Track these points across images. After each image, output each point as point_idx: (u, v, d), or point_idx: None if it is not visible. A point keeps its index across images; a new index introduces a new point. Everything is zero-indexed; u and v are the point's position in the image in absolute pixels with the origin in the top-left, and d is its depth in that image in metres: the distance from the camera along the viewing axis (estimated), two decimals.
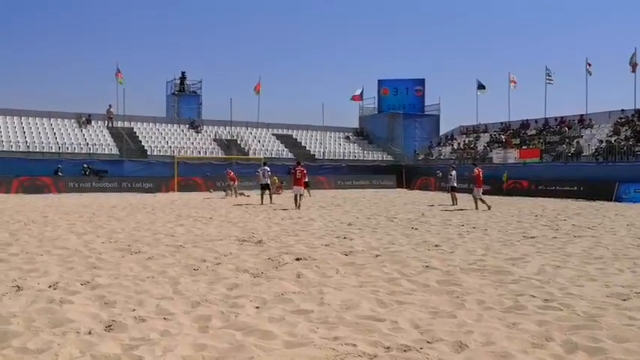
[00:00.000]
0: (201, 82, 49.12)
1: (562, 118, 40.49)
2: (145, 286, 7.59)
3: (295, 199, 21.47)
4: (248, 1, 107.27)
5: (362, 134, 51.28)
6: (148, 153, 38.77)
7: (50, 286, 7.47)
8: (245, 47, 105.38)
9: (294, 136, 47.67)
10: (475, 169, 22.49)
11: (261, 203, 23.28)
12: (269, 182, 24.22)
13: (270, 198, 23.89)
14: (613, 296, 7.13)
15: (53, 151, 36.05)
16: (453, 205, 23.32)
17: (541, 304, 6.70)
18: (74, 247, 11.01)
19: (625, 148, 31.78)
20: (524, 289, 7.54)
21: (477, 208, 21.27)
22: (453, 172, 24.50)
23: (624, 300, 6.94)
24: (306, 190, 25.63)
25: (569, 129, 38.72)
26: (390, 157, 47.02)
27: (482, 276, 8.43)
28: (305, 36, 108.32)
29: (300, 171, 22.32)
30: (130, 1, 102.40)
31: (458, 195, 24.19)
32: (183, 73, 48.90)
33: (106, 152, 37.73)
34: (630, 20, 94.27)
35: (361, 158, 45.72)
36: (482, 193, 22.49)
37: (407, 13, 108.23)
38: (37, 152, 35.52)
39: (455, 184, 24.43)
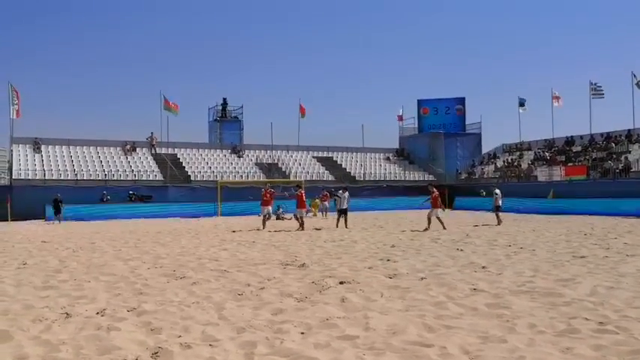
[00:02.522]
0: (242, 107, 49.87)
1: (608, 133, 39.53)
2: (190, 311, 7.61)
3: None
4: (285, 27, 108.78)
5: (402, 154, 51.03)
6: (192, 178, 39.37)
7: (98, 313, 7.56)
8: (284, 71, 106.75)
9: (334, 158, 47.78)
10: (432, 190, 21.96)
11: (337, 227, 22.84)
12: (346, 208, 24.22)
13: (346, 223, 23.14)
14: None
15: (100, 178, 36.95)
16: (499, 225, 22.96)
17: (596, 328, 6.44)
18: (121, 273, 11.17)
19: None
20: (577, 311, 7.28)
21: (428, 228, 20.87)
22: (498, 192, 24.20)
23: None
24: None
25: (616, 144, 37.76)
26: (431, 177, 46.58)
27: (532, 298, 8.18)
28: (343, 57, 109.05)
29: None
30: (171, 30, 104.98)
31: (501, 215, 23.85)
32: (224, 99, 49.72)
33: (151, 178, 38.47)
34: None
35: (402, 179, 45.43)
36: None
37: (445, 32, 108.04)
38: (85, 180, 36.45)
39: (499, 204, 24.08)
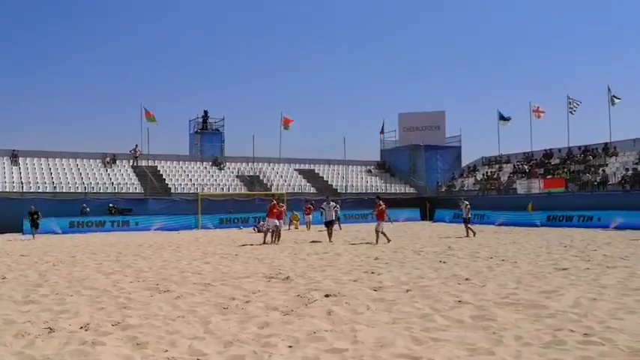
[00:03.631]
0: (223, 119, 49.70)
1: (586, 146, 40.11)
2: (175, 325, 7.55)
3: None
4: (266, 39, 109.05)
5: (384, 167, 51.23)
6: (172, 191, 39.11)
7: (82, 328, 7.47)
8: (265, 84, 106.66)
9: (316, 171, 47.79)
10: (379, 203, 22.00)
11: (330, 241, 22.24)
12: (334, 219, 23.98)
13: (330, 236, 22.77)
14: None
15: (79, 191, 36.54)
16: (468, 236, 23.54)
17: (581, 339, 6.52)
18: (103, 287, 11.04)
19: None
20: (562, 323, 7.36)
21: (376, 242, 20.87)
22: (467, 203, 24.65)
23: None
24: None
25: (593, 157, 38.32)
26: (412, 190, 46.82)
27: (516, 310, 8.25)
28: (325, 71, 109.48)
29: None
30: (152, 41, 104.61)
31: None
32: (205, 111, 49.51)
33: (131, 191, 38.12)
34: None
35: (383, 191, 45.56)
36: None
37: (426, 46, 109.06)
38: (64, 192, 35.99)
39: (470, 216, 24.82)
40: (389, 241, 21.02)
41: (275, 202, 22.62)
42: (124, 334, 7.12)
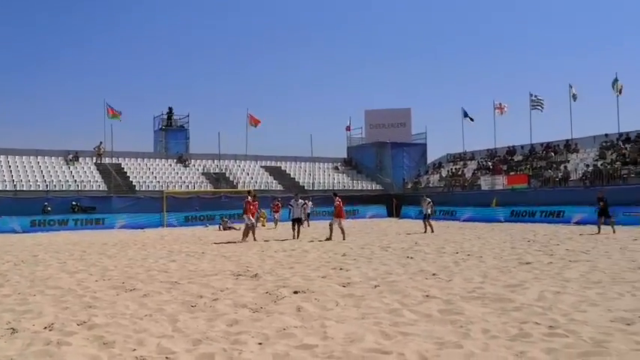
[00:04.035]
0: (188, 116, 49.28)
1: (548, 143, 40.92)
2: (143, 324, 7.45)
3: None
4: (231, 35, 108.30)
5: (350, 164, 51.45)
6: (137, 188, 38.61)
7: (46, 328, 7.31)
8: (231, 81, 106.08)
9: (282, 168, 47.73)
10: (336, 200, 22.15)
11: (294, 237, 22.14)
12: (302, 217, 23.85)
13: (298, 234, 22.55)
14: (617, 321, 7.09)
15: (41, 189, 35.78)
16: (426, 232, 24.03)
17: (546, 332, 6.64)
18: (67, 286, 10.83)
19: (612, 171, 32.09)
20: (528, 316, 7.49)
21: (330, 238, 20.96)
22: (428, 200, 25.07)
23: (629, 324, 6.90)
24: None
25: (555, 154, 39.11)
26: (379, 187, 47.13)
27: (483, 304, 8.37)
28: (292, 68, 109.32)
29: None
30: (116, 36, 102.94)
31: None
32: (170, 108, 49.05)
33: (95, 189, 37.50)
34: (611, 45, 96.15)
35: (350, 188, 45.77)
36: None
37: (391, 43, 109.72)
38: (25, 191, 35.21)
39: (430, 212, 25.32)
40: (343, 238, 20.99)
41: (250, 198, 22.37)
42: (90, 333, 6.99)
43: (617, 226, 23.17)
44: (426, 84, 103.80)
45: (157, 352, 6.13)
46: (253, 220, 21.89)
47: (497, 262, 13.36)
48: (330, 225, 21.59)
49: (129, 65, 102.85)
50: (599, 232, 21.88)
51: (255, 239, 21.32)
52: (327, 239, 20.91)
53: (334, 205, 21.95)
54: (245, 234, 21.62)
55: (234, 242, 20.88)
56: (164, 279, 11.59)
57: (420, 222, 26.22)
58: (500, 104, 45.43)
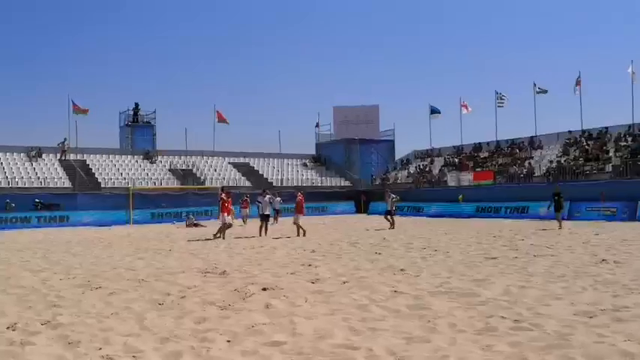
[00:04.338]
0: (154, 112, 48.61)
1: (513, 140, 41.56)
2: (109, 323, 7.34)
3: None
4: (199, 30, 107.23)
5: (319, 160, 51.48)
6: (102, 185, 38.02)
7: (9, 328, 7.15)
8: (198, 76, 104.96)
9: (250, 164, 47.50)
10: (298, 195, 22.35)
11: (260, 235, 21.65)
12: (269, 213, 23.68)
13: (265, 230, 22.20)
14: (580, 314, 7.25)
15: (2, 185, 34.98)
16: (393, 227, 24.08)
17: (512, 325, 6.76)
18: (31, 285, 10.62)
19: (575, 167, 32.77)
20: (493, 310, 7.61)
21: (298, 235, 21.05)
22: (393, 196, 25.41)
23: (591, 317, 7.07)
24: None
25: (520, 150, 39.76)
26: (347, 183, 47.28)
27: (450, 299, 8.47)
28: (259, 64, 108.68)
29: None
30: (80, 31, 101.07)
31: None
32: (136, 104, 48.26)
33: (58, 185, 36.80)
34: (573, 44, 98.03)
35: (319, 184, 45.82)
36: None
37: (359, 40, 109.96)
38: None
39: (393, 208, 25.32)
40: (304, 234, 21.05)
41: (224, 195, 21.95)
42: (54, 333, 6.87)
43: (581, 221, 23.68)
44: (393, 81, 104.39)
45: (124, 351, 6.05)
46: (230, 219, 21.61)
47: (464, 258, 13.53)
48: (295, 222, 21.66)
49: (94, 60, 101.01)
50: (560, 226, 22.27)
51: (223, 237, 21.02)
52: (298, 236, 20.93)
53: (297, 201, 22.06)
54: (221, 230, 21.24)
55: (206, 239, 20.68)
56: (131, 277, 11.45)
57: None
58: (465, 103, 45.86)
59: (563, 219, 22.84)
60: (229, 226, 21.44)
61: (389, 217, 24.76)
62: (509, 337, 6.27)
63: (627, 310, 7.39)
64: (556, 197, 23.10)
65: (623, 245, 15.59)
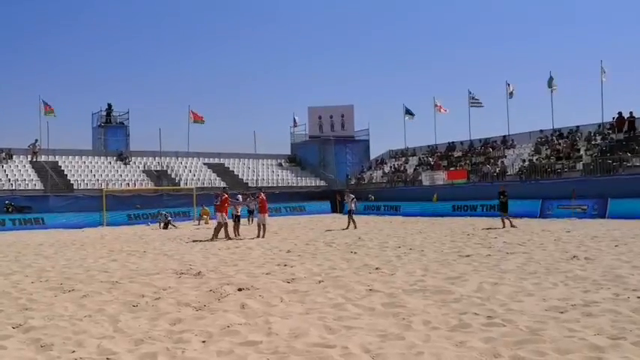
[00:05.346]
0: (128, 112, 48.11)
1: (486, 139, 42.02)
2: (82, 325, 7.27)
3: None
4: (172, 30, 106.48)
5: (294, 161, 51.45)
6: (75, 187, 37.51)
7: None
8: (172, 76, 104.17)
9: (225, 165, 47.28)
10: (260, 195, 22.22)
11: (235, 236, 21.27)
12: (239, 214, 23.42)
13: (237, 230, 21.93)
14: (551, 310, 7.39)
15: None
16: (348, 228, 24.05)
17: (485, 322, 6.85)
18: (1, 288, 10.44)
19: (546, 166, 33.25)
20: (467, 307, 7.70)
21: (259, 236, 20.81)
22: (352, 196, 25.76)
23: (562, 313, 7.20)
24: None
25: (493, 150, 40.22)
26: (323, 183, 47.33)
27: (424, 296, 8.56)
28: (234, 64, 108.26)
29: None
30: (51, 31, 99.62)
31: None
32: (109, 104, 47.70)
33: (30, 188, 36.21)
34: (546, 43, 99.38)
35: (294, 184, 45.80)
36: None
37: (335, 41, 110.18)
38: None
39: (353, 208, 25.49)
40: (263, 235, 20.74)
41: (226, 195, 21.64)
42: (26, 336, 6.78)
43: (553, 219, 23.98)
44: (367, 81, 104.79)
45: (98, 354, 6.00)
46: (226, 219, 21.37)
47: (438, 256, 13.66)
48: (259, 223, 21.42)
49: (65, 60, 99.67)
50: (503, 226, 22.24)
51: (228, 237, 20.49)
52: (257, 237, 20.70)
53: (259, 200, 21.86)
54: (216, 231, 20.90)
55: (206, 240, 20.50)
56: (104, 279, 11.34)
57: (365, 217, 26.42)
58: (439, 104, 46.19)
59: (499, 217, 22.97)
60: (224, 224, 20.95)
61: (351, 217, 24.79)
62: (483, 333, 6.36)
63: (597, 305, 7.54)
64: (500, 196, 23.30)
65: (593, 242, 15.88)
